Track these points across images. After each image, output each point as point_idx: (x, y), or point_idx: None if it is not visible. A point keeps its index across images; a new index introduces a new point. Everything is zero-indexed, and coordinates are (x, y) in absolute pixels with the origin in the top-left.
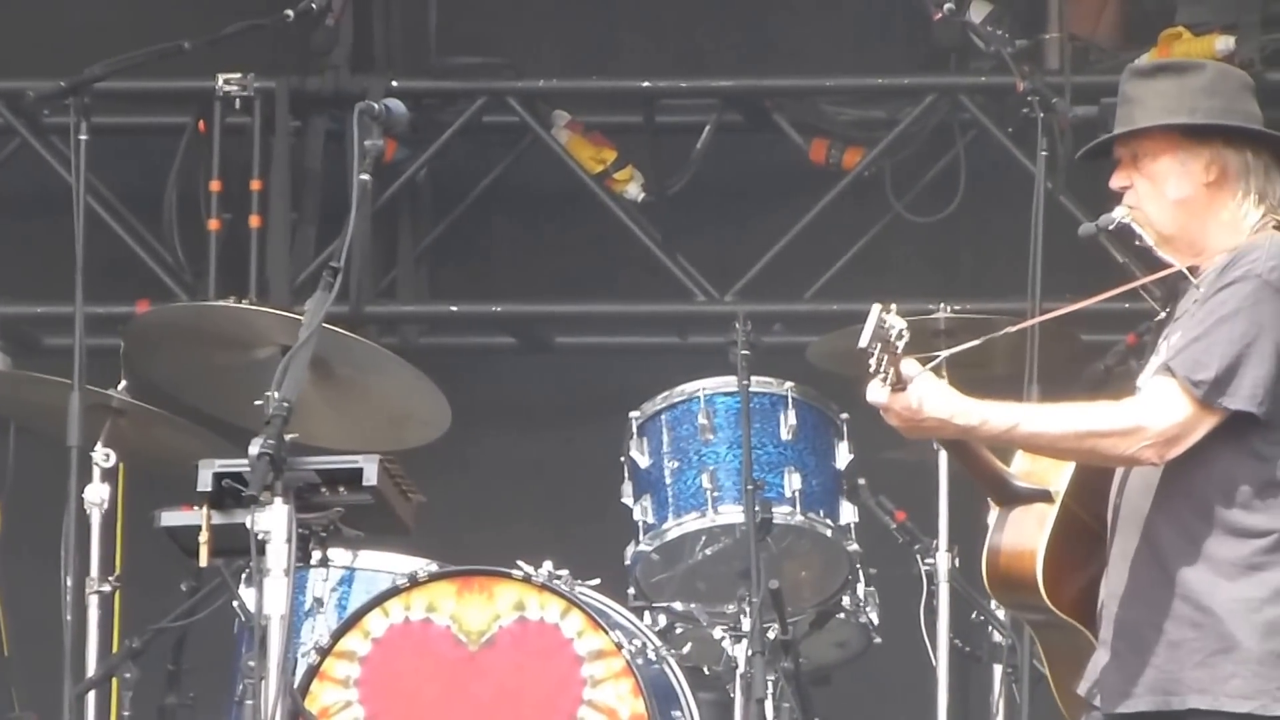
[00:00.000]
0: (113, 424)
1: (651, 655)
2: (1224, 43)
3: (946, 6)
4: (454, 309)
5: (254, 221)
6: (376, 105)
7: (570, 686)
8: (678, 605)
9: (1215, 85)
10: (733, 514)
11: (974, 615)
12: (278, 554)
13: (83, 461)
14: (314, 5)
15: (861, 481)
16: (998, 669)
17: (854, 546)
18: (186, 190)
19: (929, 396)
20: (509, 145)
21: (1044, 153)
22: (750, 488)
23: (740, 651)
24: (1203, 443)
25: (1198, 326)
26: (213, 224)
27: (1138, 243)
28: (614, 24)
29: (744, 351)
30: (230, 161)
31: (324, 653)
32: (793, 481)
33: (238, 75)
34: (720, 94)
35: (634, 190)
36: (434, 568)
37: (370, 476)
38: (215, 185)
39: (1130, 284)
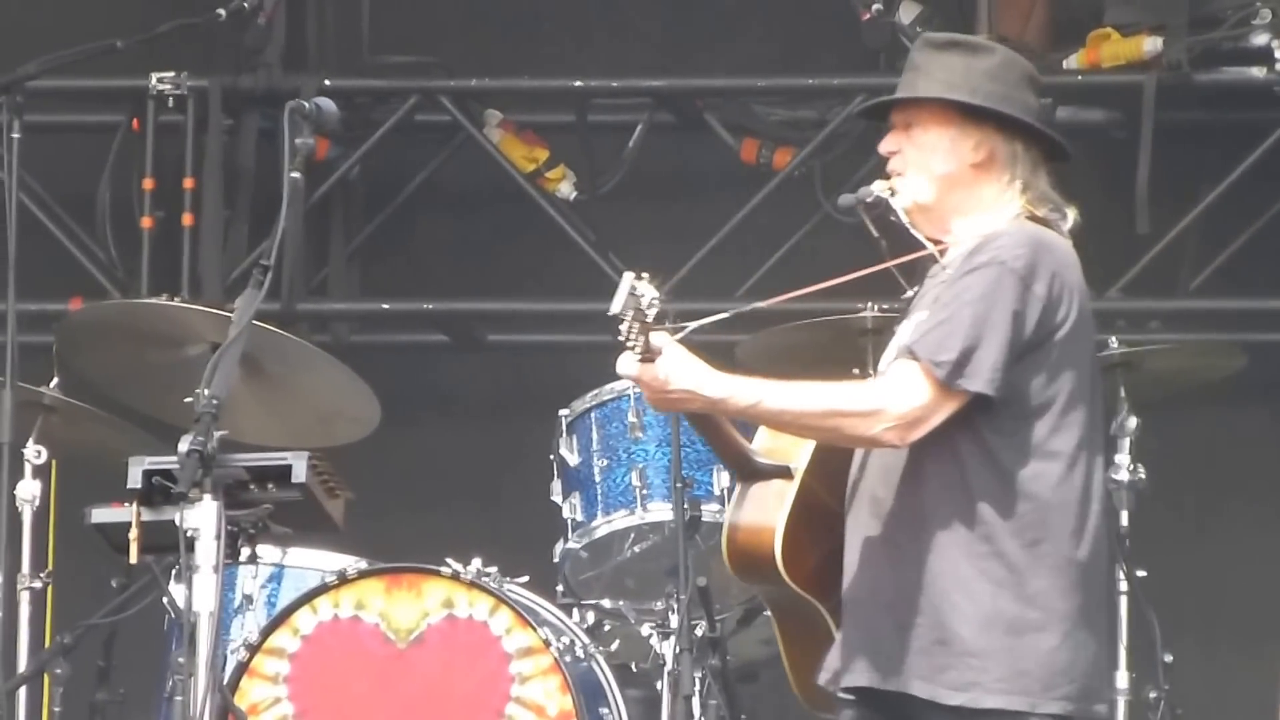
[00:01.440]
0: (44, 421)
1: (580, 652)
2: (1152, 44)
3: (875, 7)
4: (386, 307)
5: (186, 219)
6: (308, 104)
7: (498, 683)
8: (606, 603)
9: (1000, 71)
10: (661, 511)
11: None
12: (207, 551)
13: (14, 458)
14: (246, 4)
15: None
16: None
17: None
18: (119, 188)
19: (677, 368)
20: (441, 144)
21: None
22: (679, 485)
23: (668, 649)
24: (939, 427)
25: (942, 310)
26: (145, 222)
27: (892, 218)
28: (546, 23)
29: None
30: (163, 160)
31: (253, 649)
32: (722, 479)
33: (171, 74)
34: (652, 93)
35: (566, 189)
36: (363, 565)
37: (299, 474)
38: (148, 183)
39: (881, 265)
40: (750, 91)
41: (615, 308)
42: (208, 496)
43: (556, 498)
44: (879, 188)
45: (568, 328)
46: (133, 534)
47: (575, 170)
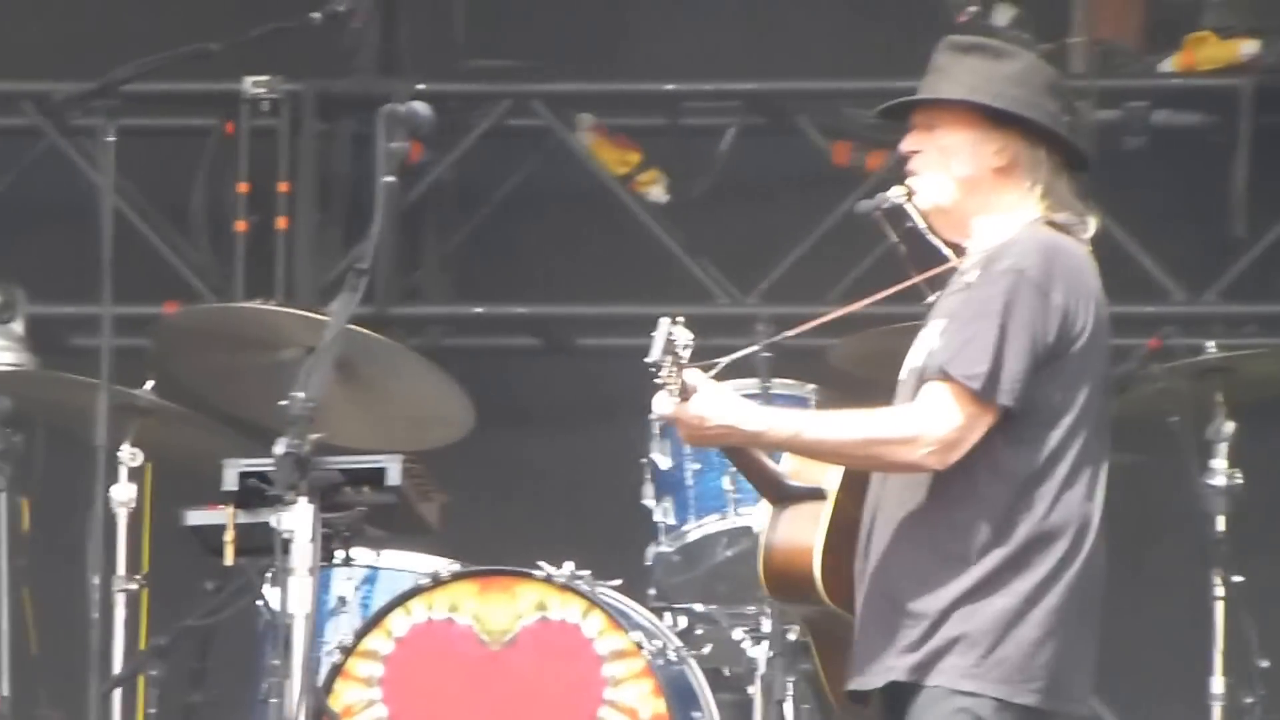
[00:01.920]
0: (140, 424)
1: (672, 656)
2: (1249, 47)
3: (970, 9)
4: (478, 310)
5: (281, 223)
6: (402, 108)
7: (591, 686)
8: (698, 607)
9: (1024, 76)
10: (754, 515)
11: None
12: (302, 553)
13: (109, 461)
14: (341, 8)
15: None
16: None
17: None
18: (214, 192)
19: (713, 406)
20: (534, 148)
21: None
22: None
23: (760, 653)
24: None
25: (964, 328)
26: (240, 226)
27: (908, 224)
28: (638, 27)
29: (766, 354)
30: (257, 164)
31: (347, 652)
32: None
33: (265, 78)
34: (744, 96)
35: (657, 193)
36: (456, 567)
37: (393, 476)
38: (243, 187)
39: (909, 281)
40: (842, 94)
41: (653, 355)
42: (303, 499)
43: (648, 501)
44: (896, 194)
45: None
46: (228, 536)
47: (667, 174)
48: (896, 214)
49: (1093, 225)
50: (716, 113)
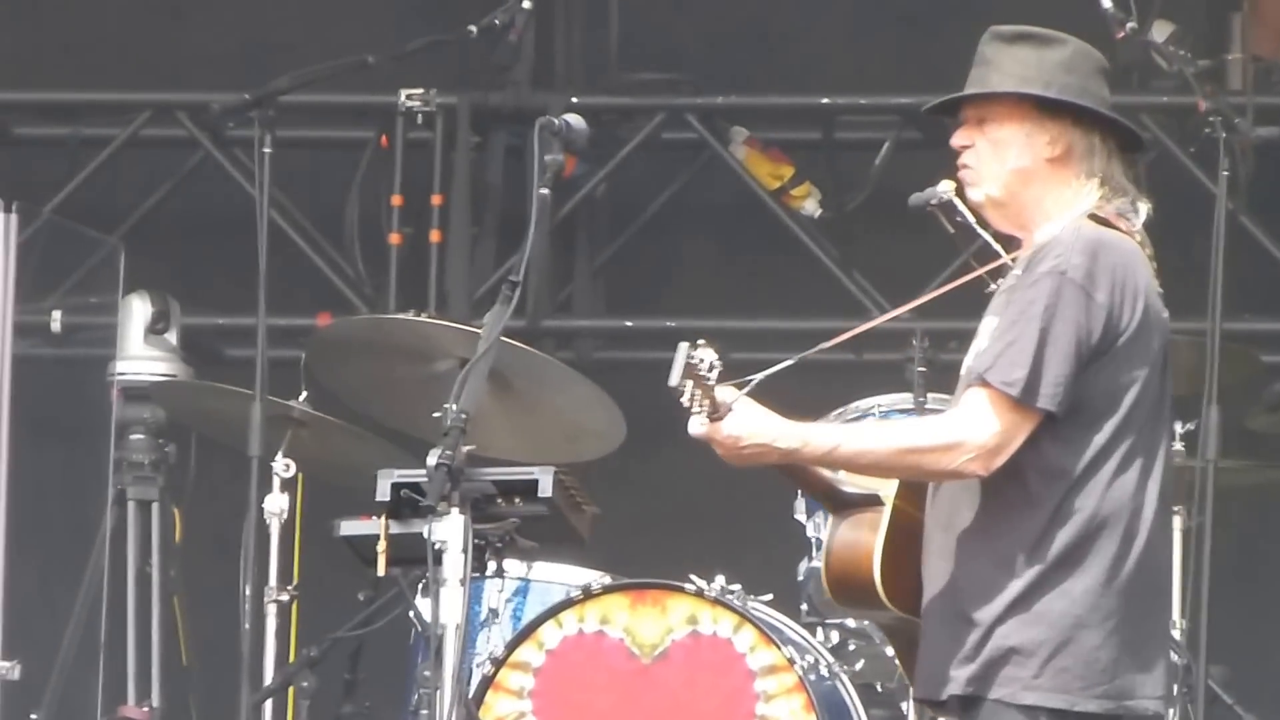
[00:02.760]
0: (293, 434)
1: (824, 671)
2: None
3: (1129, 25)
4: (629, 324)
5: (434, 236)
6: (557, 121)
7: (743, 701)
8: (850, 622)
9: (1073, 62)
10: None
11: None
12: (454, 564)
13: (263, 471)
14: (497, 21)
15: None
16: (1173, 689)
17: None
18: (368, 204)
19: (747, 424)
20: (687, 161)
21: (1226, 173)
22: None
23: None
24: None
25: (1005, 333)
26: (394, 238)
27: (959, 219)
28: (793, 40)
29: (921, 368)
30: (412, 176)
31: (498, 663)
32: None
33: (420, 90)
34: (899, 110)
35: (811, 206)
36: (608, 580)
37: (545, 488)
38: (397, 200)
39: (961, 279)
40: None
41: (673, 380)
42: (455, 510)
43: (800, 516)
44: (945, 188)
45: (811, 345)
46: (380, 546)
47: (821, 187)
48: (948, 208)
49: (1145, 211)
50: (871, 126)
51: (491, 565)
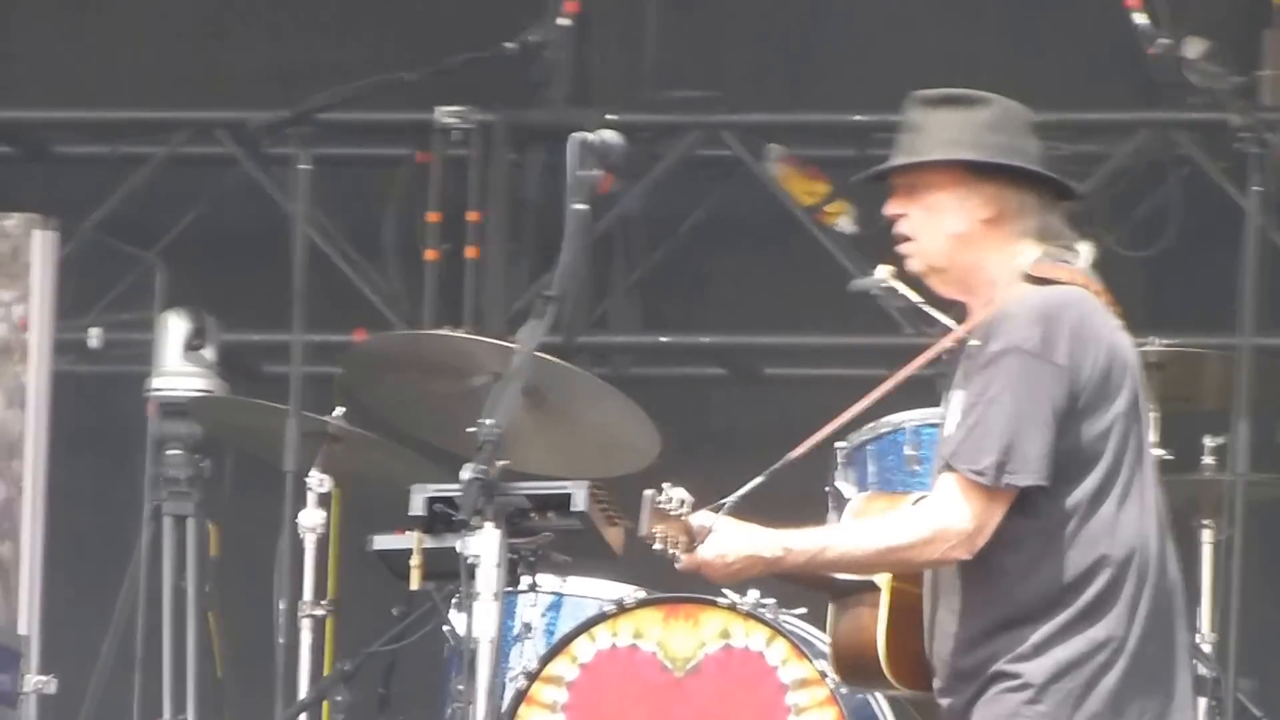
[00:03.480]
0: (328, 449)
1: None
2: None
3: (1161, 42)
4: (665, 339)
5: (471, 252)
6: (593, 137)
7: (775, 714)
8: None
9: (1000, 122)
10: None
11: None
12: (488, 578)
13: (298, 486)
14: (533, 38)
15: None
16: (1202, 702)
17: None
18: (405, 221)
19: (727, 544)
20: (723, 178)
21: (1257, 189)
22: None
23: None
24: None
25: (968, 413)
26: (430, 254)
27: (900, 303)
28: (827, 58)
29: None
30: (449, 193)
31: (532, 678)
32: None
33: (458, 108)
34: None
35: (845, 223)
36: (641, 594)
37: (579, 502)
38: (434, 216)
39: (912, 366)
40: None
41: (641, 530)
42: (489, 524)
43: None
44: (883, 274)
45: (845, 361)
46: (414, 561)
47: (855, 205)
48: (889, 294)
49: (1087, 254)
50: None
51: (525, 580)
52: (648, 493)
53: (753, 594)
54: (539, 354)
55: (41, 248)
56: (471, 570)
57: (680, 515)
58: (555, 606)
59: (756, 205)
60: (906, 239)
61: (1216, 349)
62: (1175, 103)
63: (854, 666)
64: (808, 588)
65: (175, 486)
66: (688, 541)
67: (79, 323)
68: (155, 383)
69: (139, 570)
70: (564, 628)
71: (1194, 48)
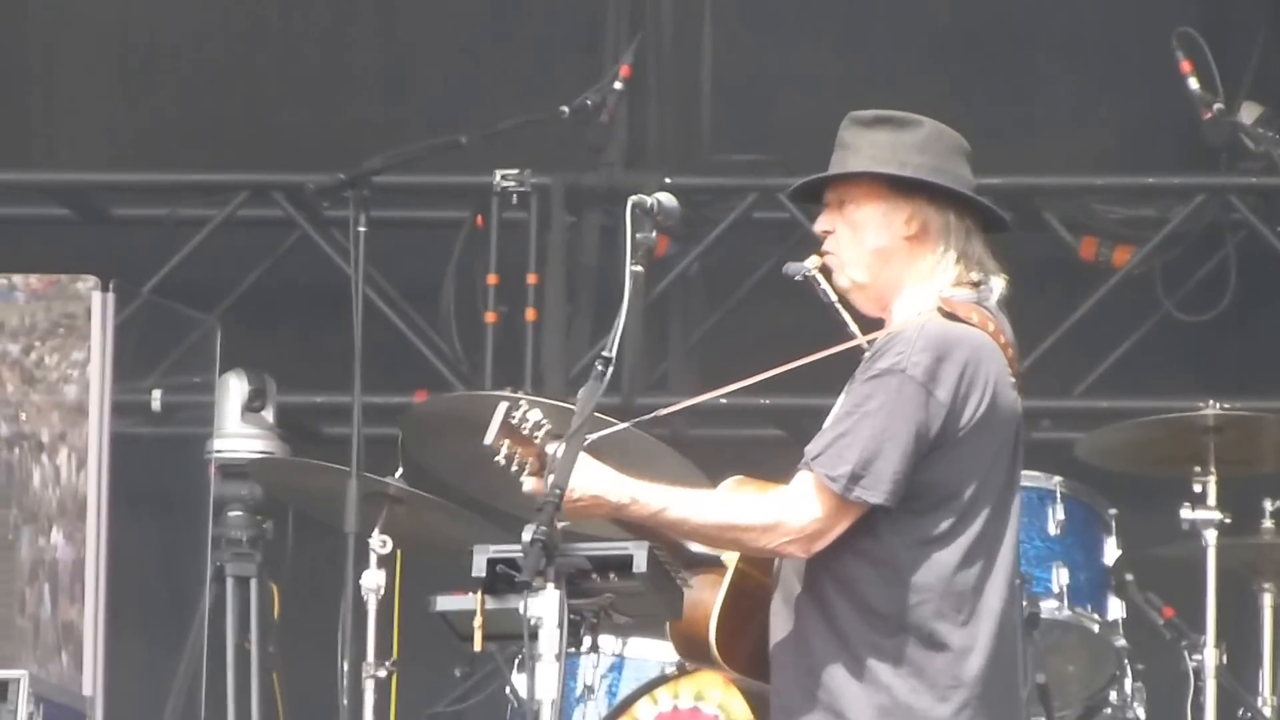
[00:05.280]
0: (389, 511)
1: None
2: None
3: (1216, 107)
4: (724, 401)
5: (530, 315)
6: (649, 200)
7: None
8: None
9: (928, 143)
10: None
11: (1241, 712)
12: (549, 640)
13: (360, 547)
14: (589, 102)
15: (1129, 577)
16: None
17: (1121, 642)
18: (464, 283)
19: (578, 476)
20: (778, 240)
21: None
22: (1017, 581)
23: None
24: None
25: (841, 421)
26: (489, 316)
27: (822, 298)
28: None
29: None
30: (507, 255)
31: None
32: (1060, 576)
33: (514, 170)
34: (990, 191)
35: None
36: None
37: (640, 564)
38: (492, 279)
39: (813, 356)
40: (1089, 189)
41: (487, 439)
42: (550, 585)
43: None
44: (810, 264)
45: None
46: (477, 622)
47: None
48: (810, 284)
49: (999, 288)
50: None
51: (586, 641)
52: (503, 405)
53: None
54: (598, 415)
55: (100, 310)
56: (533, 631)
57: (534, 438)
58: (617, 668)
59: None
60: (832, 254)
61: (1274, 412)
62: (1230, 167)
63: (687, 642)
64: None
65: (237, 548)
66: (537, 466)
67: (138, 385)
68: (216, 444)
69: (202, 631)
70: (625, 690)
71: (1248, 113)
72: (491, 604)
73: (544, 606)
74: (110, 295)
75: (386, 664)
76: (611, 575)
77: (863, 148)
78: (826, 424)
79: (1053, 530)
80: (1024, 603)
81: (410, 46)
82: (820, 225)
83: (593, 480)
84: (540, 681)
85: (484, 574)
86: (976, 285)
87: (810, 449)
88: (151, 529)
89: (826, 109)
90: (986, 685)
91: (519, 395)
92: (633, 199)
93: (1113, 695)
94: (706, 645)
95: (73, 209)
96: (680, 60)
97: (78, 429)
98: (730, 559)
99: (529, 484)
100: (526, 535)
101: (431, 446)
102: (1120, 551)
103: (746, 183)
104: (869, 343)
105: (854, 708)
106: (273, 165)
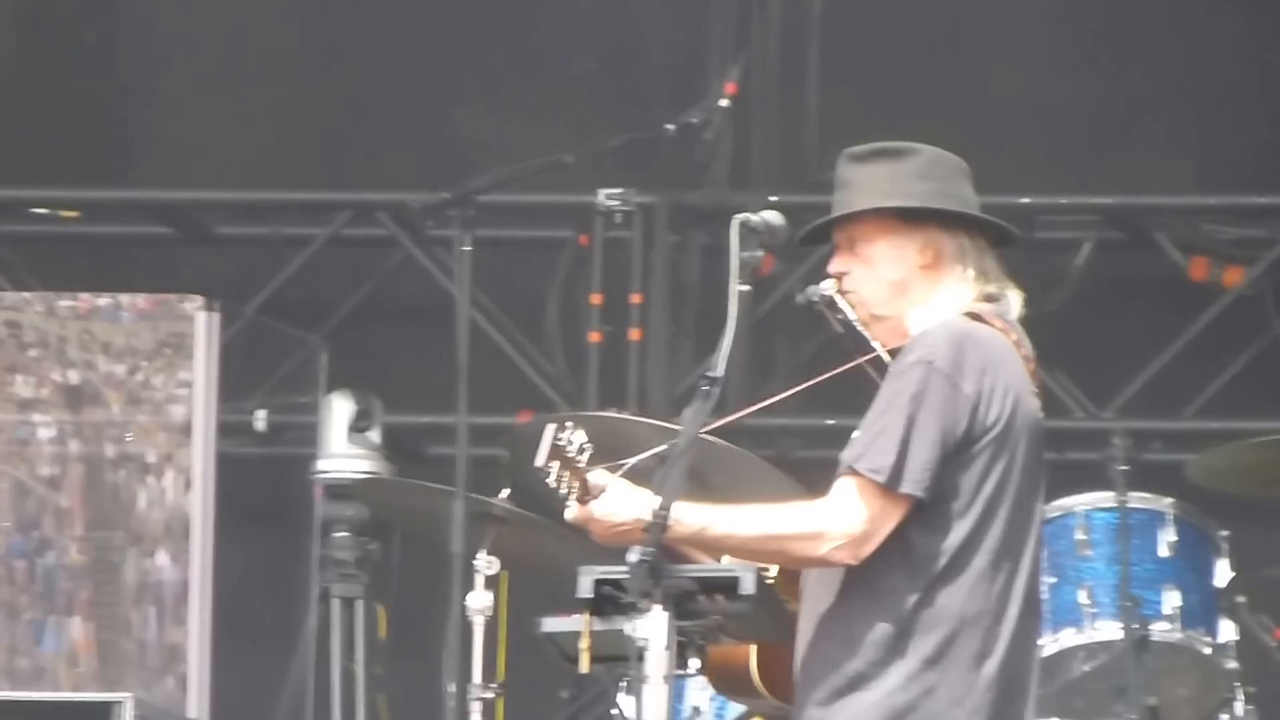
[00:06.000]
0: (495, 531)
1: None
2: None
3: None
4: (831, 422)
5: (634, 334)
6: (755, 218)
7: None
8: None
9: (929, 170)
10: (1110, 630)
11: None
12: (657, 661)
13: (466, 568)
14: (694, 120)
15: (1241, 599)
16: None
17: (1233, 664)
18: (568, 303)
19: (618, 504)
20: None
21: None
22: (1128, 604)
23: None
24: None
25: (875, 421)
26: (593, 336)
27: (839, 317)
28: (994, 141)
29: (1123, 467)
30: (611, 275)
31: None
32: (1171, 598)
33: (618, 190)
34: (1100, 211)
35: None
36: None
37: (747, 585)
38: (596, 298)
39: (828, 374)
40: (1200, 209)
41: (539, 460)
42: (657, 607)
43: None
44: (828, 286)
45: None
46: (583, 644)
47: (1021, 287)
48: (830, 306)
49: (1016, 303)
50: (1073, 226)
51: (694, 663)
52: (550, 426)
53: None
54: (703, 435)
55: (206, 330)
56: (640, 653)
57: (579, 464)
58: None
59: None
60: (851, 293)
61: None
62: None
63: (725, 673)
64: None
65: (343, 568)
66: (582, 492)
67: (243, 405)
68: (321, 465)
69: (308, 652)
70: (733, 712)
71: None
72: (598, 625)
73: (651, 628)
74: (216, 315)
75: (493, 686)
76: (718, 597)
77: (864, 183)
78: (858, 432)
79: (1164, 552)
80: (1135, 625)
81: (515, 66)
82: (834, 267)
83: (633, 506)
84: (647, 703)
85: (590, 595)
86: (994, 300)
87: (847, 455)
88: (257, 550)
89: (932, 126)
90: (1000, 692)
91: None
92: (738, 217)
93: (1224, 718)
94: (748, 676)
95: (177, 228)
96: (786, 77)
97: (183, 450)
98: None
99: (570, 511)
100: (633, 556)
101: (534, 467)
102: (1232, 574)
103: None
104: (892, 356)
105: (871, 715)
106: (376, 184)
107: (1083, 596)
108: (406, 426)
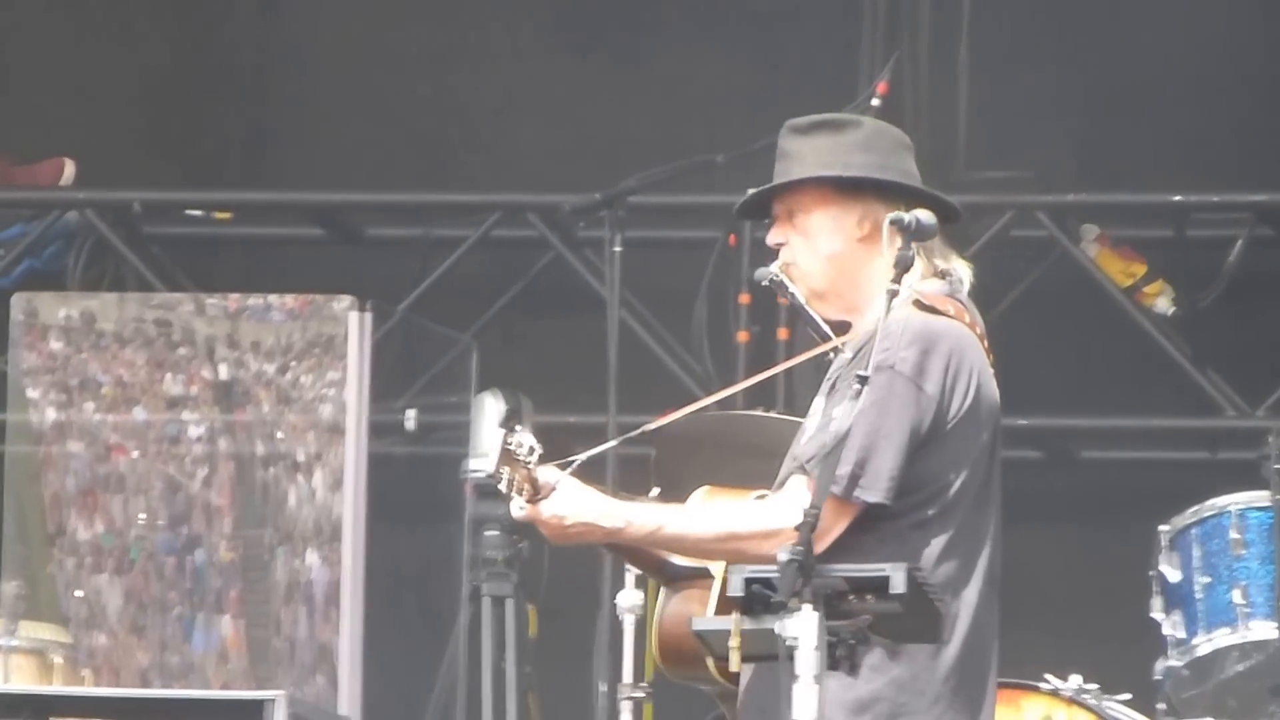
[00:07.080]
0: None
1: None
2: None
3: None
4: None
5: (781, 334)
6: (906, 217)
7: None
8: None
9: (870, 142)
10: (1265, 630)
11: None
12: (806, 661)
13: (616, 567)
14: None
15: None
16: None
17: None
18: (716, 303)
19: (570, 504)
20: (1037, 259)
21: None
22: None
23: None
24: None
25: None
26: (741, 335)
27: (788, 299)
28: (1142, 139)
29: (1277, 466)
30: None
31: None
32: None
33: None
34: (1253, 208)
35: (1164, 304)
36: None
37: (898, 584)
38: (744, 298)
39: (788, 362)
40: None
41: (489, 467)
42: (807, 606)
43: (1157, 614)
44: (773, 269)
45: (1164, 444)
46: (733, 642)
47: (1173, 285)
48: (779, 287)
49: (967, 278)
50: (1224, 224)
51: (845, 663)
52: (499, 431)
53: (1074, 679)
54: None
55: (357, 329)
56: (790, 652)
57: (527, 464)
58: None
59: (1072, 286)
60: (790, 265)
61: None
62: None
63: (677, 655)
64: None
65: (493, 567)
66: (531, 492)
67: (394, 404)
68: (471, 464)
69: (458, 651)
70: None
71: None
72: (748, 624)
73: (800, 627)
74: (368, 315)
75: (643, 685)
76: (869, 596)
77: (805, 155)
78: (813, 423)
79: None
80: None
81: (667, 66)
82: (772, 239)
83: (584, 507)
84: (797, 704)
85: (741, 593)
86: (944, 275)
87: (803, 453)
88: (407, 549)
89: (1082, 124)
90: (961, 677)
91: (769, 414)
92: (890, 216)
93: None
94: (698, 655)
95: (327, 229)
96: (936, 77)
97: (333, 449)
98: (718, 569)
99: (518, 510)
100: (783, 555)
101: (684, 466)
102: None
103: (1004, 200)
104: (842, 345)
105: (828, 700)
106: (525, 185)
107: (1237, 596)
108: (556, 426)
